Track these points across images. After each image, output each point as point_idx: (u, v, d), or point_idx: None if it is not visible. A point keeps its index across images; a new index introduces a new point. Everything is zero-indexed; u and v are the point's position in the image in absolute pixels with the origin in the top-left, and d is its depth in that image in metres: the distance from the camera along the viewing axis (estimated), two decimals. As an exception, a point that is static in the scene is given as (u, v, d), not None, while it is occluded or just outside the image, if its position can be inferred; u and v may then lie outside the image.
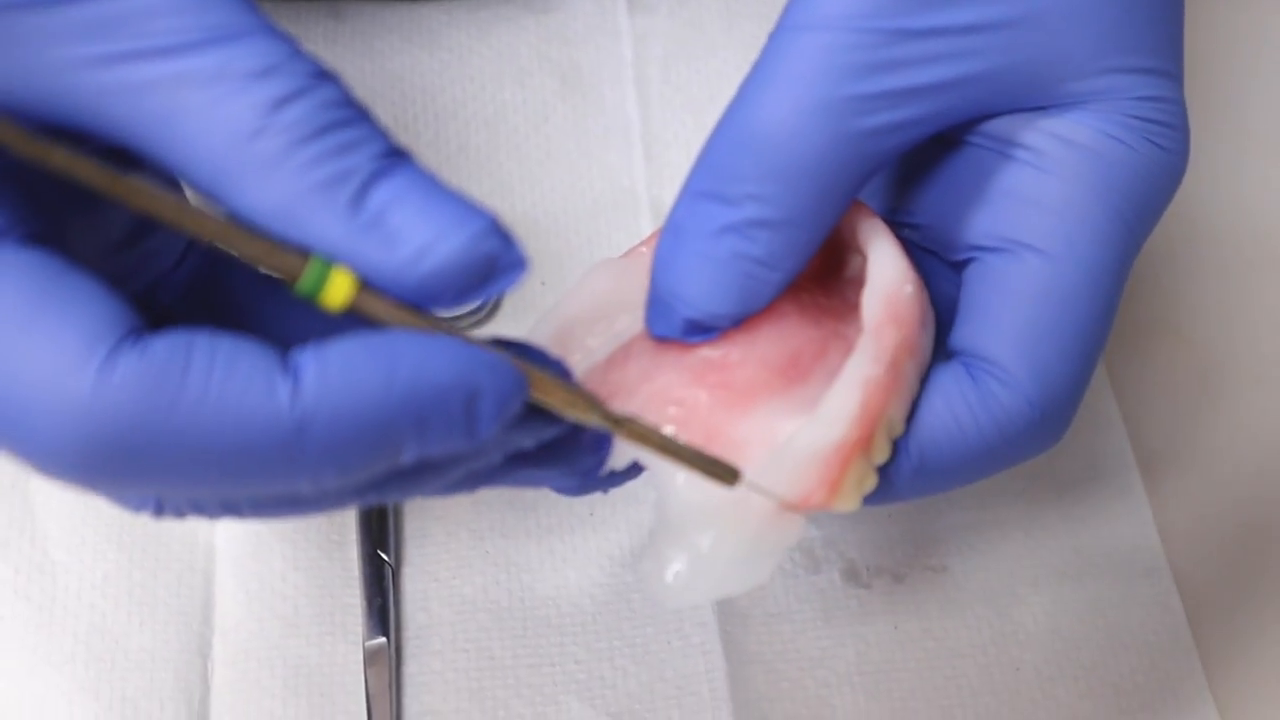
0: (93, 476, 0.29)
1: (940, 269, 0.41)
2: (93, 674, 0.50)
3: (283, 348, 0.31)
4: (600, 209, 0.62)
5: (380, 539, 0.54)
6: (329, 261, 0.31)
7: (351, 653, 0.52)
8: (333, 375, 0.30)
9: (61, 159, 0.29)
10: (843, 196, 0.37)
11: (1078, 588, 0.55)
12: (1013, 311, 0.38)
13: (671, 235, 0.38)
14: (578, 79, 0.65)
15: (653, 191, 0.63)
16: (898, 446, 0.38)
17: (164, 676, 0.51)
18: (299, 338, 0.31)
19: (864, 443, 0.36)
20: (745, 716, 0.51)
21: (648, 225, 0.62)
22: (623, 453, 0.39)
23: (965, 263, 0.40)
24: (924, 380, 0.38)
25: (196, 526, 0.54)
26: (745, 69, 0.64)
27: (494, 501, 0.56)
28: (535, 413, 0.34)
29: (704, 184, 0.38)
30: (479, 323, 0.59)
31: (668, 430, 0.37)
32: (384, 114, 0.60)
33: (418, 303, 0.31)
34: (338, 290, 0.31)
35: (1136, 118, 0.38)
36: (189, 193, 0.36)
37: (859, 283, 0.40)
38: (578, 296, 0.41)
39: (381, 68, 0.64)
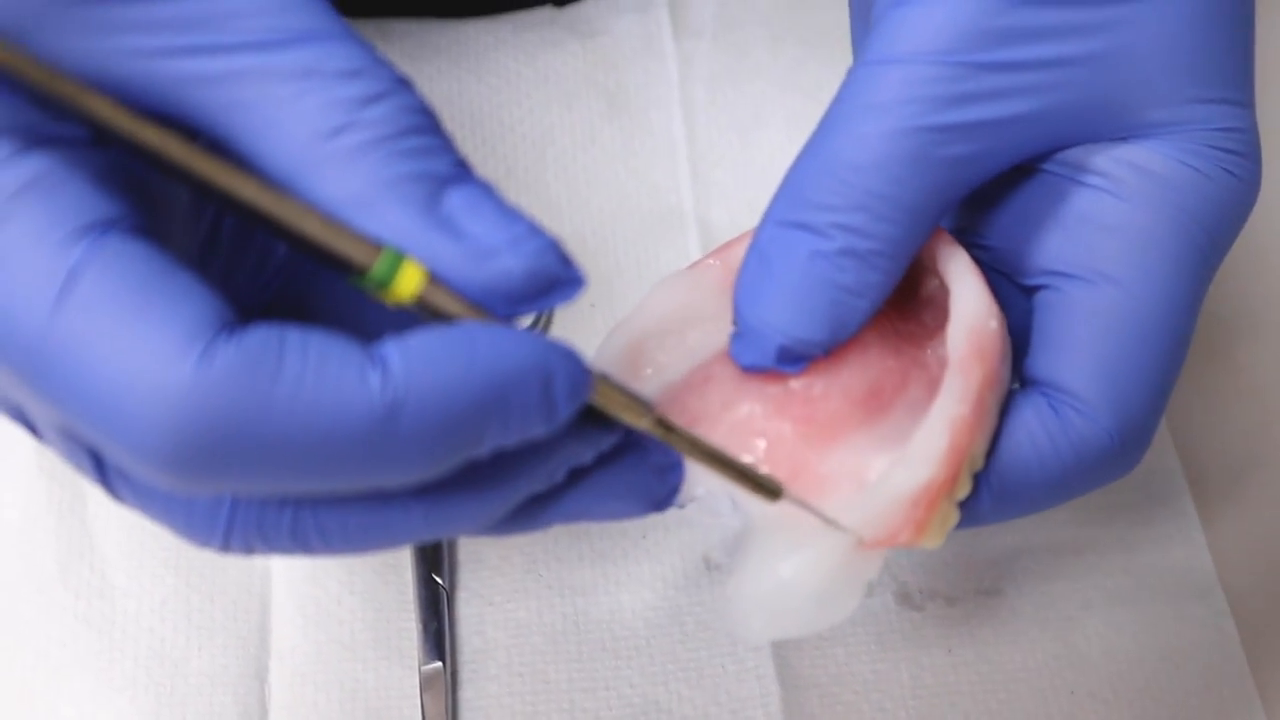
0: (189, 467, 0.29)
1: (1010, 291, 0.41)
2: (152, 698, 0.51)
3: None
4: (647, 229, 0.62)
5: (435, 563, 0.54)
6: (401, 253, 0.32)
7: (407, 677, 0.52)
8: (417, 362, 0.30)
9: (153, 136, 0.30)
10: (926, 225, 0.38)
11: (1131, 610, 0.55)
12: (1092, 342, 0.38)
13: (757, 264, 0.38)
14: (624, 101, 0.65)
15: (699, 211, 0.63)
16: (979, 479, 0.38)
17: (223, 700, 0.51)
18: (374, 337, 0.32)
19: (951, 482, 0.36)
20: (802, 741, 0.51)
21: (695, 244, 0.62)
22: (696, 480, 0.38)
23: (1036, 287, 0.40)
24: (1003, 409, 0.38)
25: (253, 550, 0.54)
26: (789, 90, 0.66)
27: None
28: (591, 418, 0.34)
29: (790, 213, 0.38)
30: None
31: (746, 459, 0.37)
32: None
33: (480, 304, 0.32)
34: (408, 281, 0.32)
35: (1213, 147, 0.38)
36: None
37: (935, 305, 0.40)
38: (648, 310, 0.41)
39: (430, 91, 0.64)
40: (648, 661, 0.53)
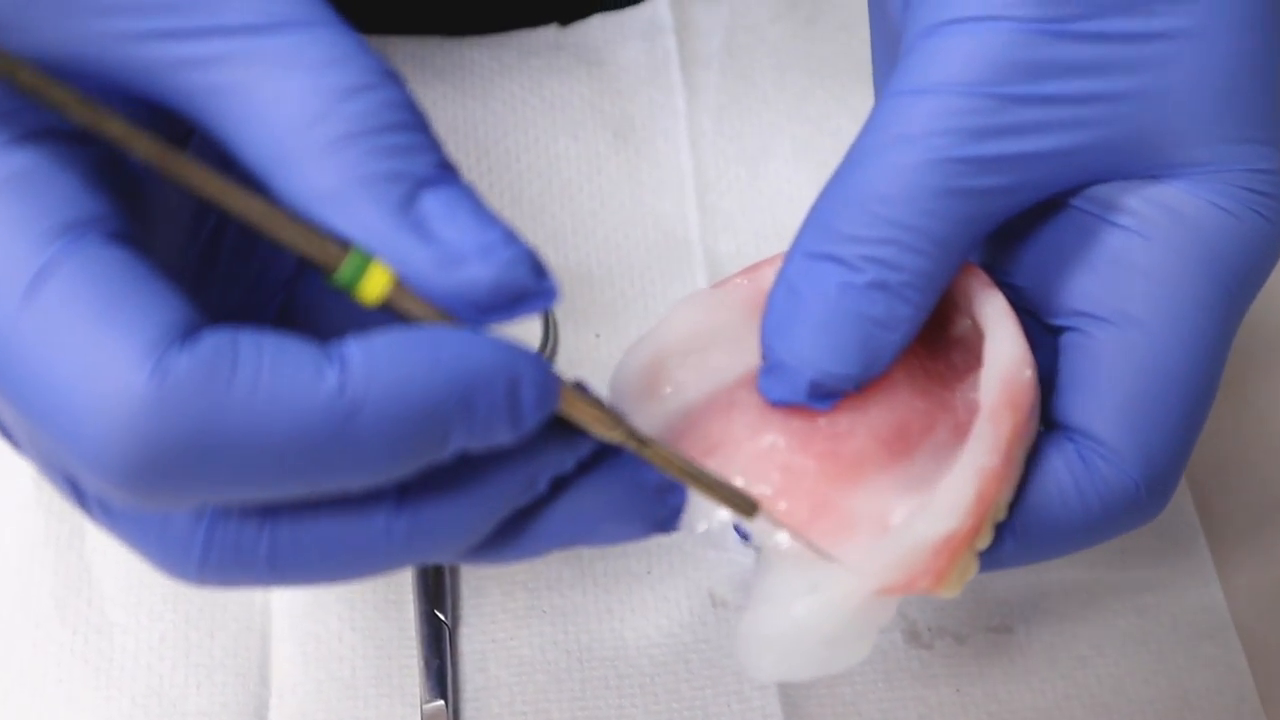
0: (144, 480, 0.29)
1: (1036, 329, 0.40)
2: (150, 736, 0.50)
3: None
4: (654, 259, 0.62)
5: (437, 598, 0.53)
6: (368, 255, 0.31)
7: (409, 715, 0.51)
8: (380, 360, 0.30)
9: (118, 129, 0.29)
10: (956, 258, 0.37)
11: (1143, 651, 0.54)
12: (1119, 388, 0.37)
13: (786, 296, 0.37)
14: (630, 130, 0.64)
15: (706, 241, 0.62)
16: (1002, 527, 0.37)
17: (221, 739, 0.50)
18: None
19: (974, 533, 0.36)
20: (810, 783, 0.51)
21: (701, 274, 0.61)
22: (699, 509, 0.37)
23: (1063, 328, 0.39)
24: (1030, 455, 0.38)
25: (253, 585, 0.53)
26: (797, 120, 0.65)
27: (549, 558, 0.54)
28: (568, 428, 0.34)
29: (818, 245, 0.37)
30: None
31: (764, 490, 0.37)
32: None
33: (448, 310, 0.32)
34: (375, 284, 0.31)
35: (1243, 188, 0.38)
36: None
37: (965, 346, 0.39)
38: (670, 327, 0.40)
39: (436, 116, 0.63)
40: (652, 700, 0.52)
